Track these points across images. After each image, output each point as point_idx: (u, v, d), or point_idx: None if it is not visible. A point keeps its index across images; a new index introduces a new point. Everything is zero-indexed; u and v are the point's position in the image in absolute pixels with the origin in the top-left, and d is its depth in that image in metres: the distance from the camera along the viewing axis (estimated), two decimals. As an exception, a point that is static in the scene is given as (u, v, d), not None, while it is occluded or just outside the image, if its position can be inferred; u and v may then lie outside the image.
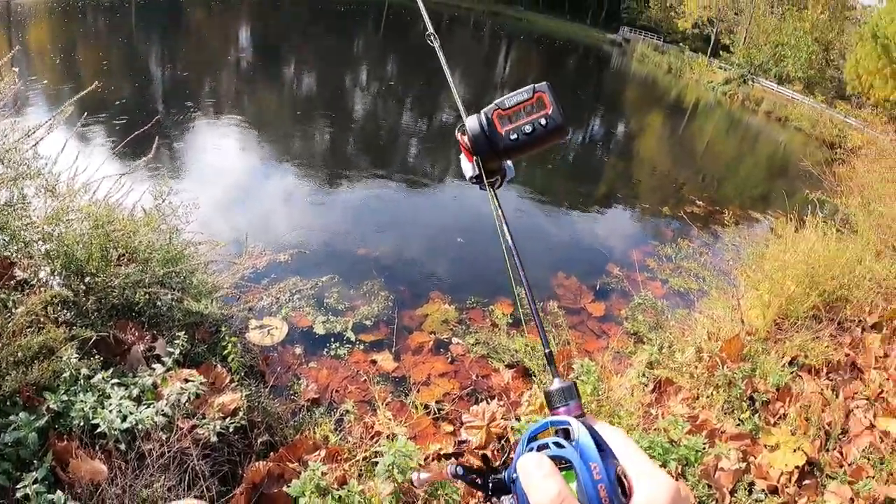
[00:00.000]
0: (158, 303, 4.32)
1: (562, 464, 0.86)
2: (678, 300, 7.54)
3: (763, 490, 4.39)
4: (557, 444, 0.88)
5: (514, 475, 0.89)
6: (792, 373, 5.51)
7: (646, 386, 5.29)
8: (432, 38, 1.62)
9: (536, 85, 1.31)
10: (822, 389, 5.39)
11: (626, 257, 8.59)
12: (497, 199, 1.38)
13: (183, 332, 3.97)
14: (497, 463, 1.16)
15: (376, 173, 10.81)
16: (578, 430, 0.89)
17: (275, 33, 22.64)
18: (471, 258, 8.05)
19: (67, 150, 4.33)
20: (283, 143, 11.64)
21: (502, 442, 4.58)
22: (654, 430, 4.60)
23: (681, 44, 57.12)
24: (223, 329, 4.54)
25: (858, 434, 5.05)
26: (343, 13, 33.62)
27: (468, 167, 1.42)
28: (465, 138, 1.38)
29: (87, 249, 3.96)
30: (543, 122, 1.30)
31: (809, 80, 41.67)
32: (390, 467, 3.53)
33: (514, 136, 1.31)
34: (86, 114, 4.75)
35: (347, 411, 4.56)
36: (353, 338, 5.83)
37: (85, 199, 4.26)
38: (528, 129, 1.30)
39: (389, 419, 4.56)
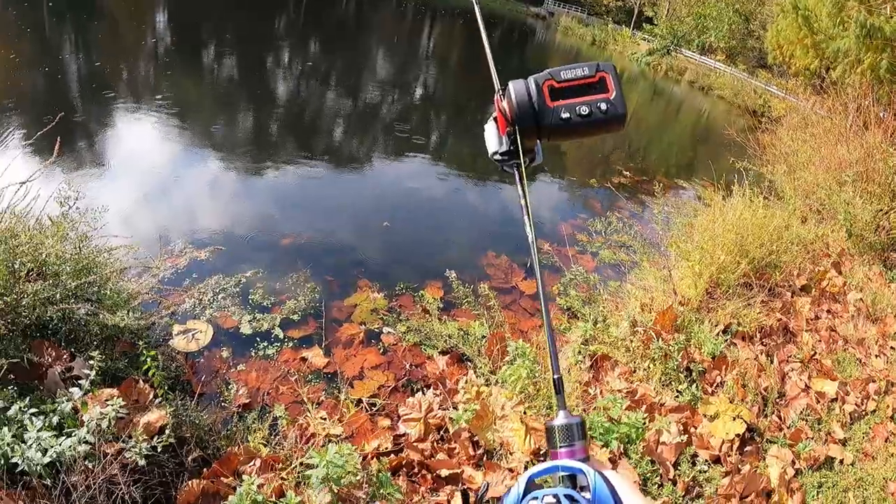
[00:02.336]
0: (73, 318, 4.09)
1: None
2: (610, 272, 7.61)
3: (706, 460, 4.50)
4: (570, 498, 0.79)
5: None
6: (726, 341, 5.68)
7: (582, 363, 5.29)
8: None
9: (600, 63, 1.20)
10: (756, 355, 5.60)
11: (555, 232, 8.60)
12: (524, 184, 1.25)
13: (97, 351, 3.77)
14: None
15: (300, 158, 10.55)
16: (595, 480, 0.82)
17: (192, 16, 21.88)
18: (397, 242, 7.95)
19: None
20: (204, 131, 11.22)
21: (441, 432, 4.53)
22: (594, 409, 4.64)
23: (605, 16, 58.04)
24: (140, 343, 4.34)
25: (795, 397, 5.29)
26: None
27: (494, 140, 1.29)
28: (505, 103, 1.24)
29: (-9, 269, 3.71)
30: (603, 106, 1.18)
31: (731, 51, 42.88)
32: (325, 479, 3.44)
33: (565, 115, 1.17)
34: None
35: (279, 416, 4.44)
36: (281, 335, 5.67)
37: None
38: (583, 110, 1.17)
39: (324, 419, 4.47)
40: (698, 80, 30.23)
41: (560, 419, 0.96)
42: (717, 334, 5.72)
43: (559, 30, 50.67)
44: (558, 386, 1.03)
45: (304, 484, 3.79)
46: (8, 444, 2.96)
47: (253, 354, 5.42)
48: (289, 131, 12.40)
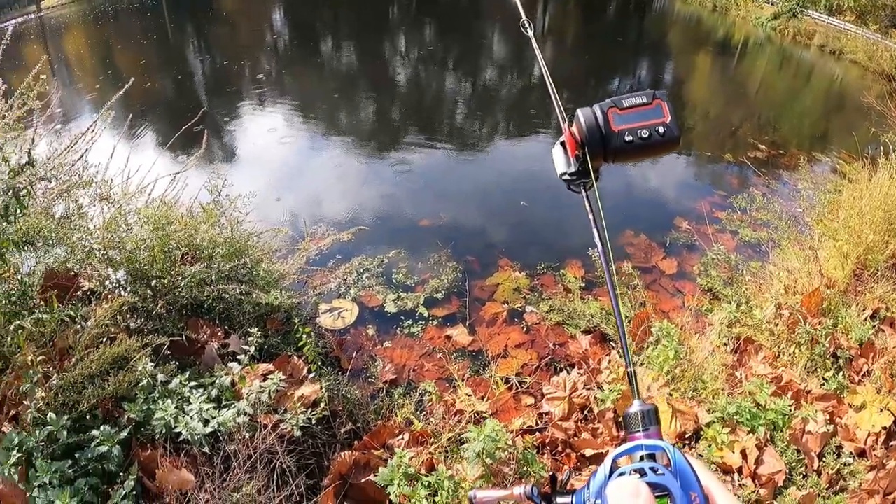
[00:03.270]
0: (227, 298, 4.25)
1: (656, 492, 0.81)
2: (750, 252, 7.19)
3: (851, 453, 4.20)
4: (654, 471, 0.83)
5: (597, 502, 0.85)
6: (874, 327, 5.21)
7: (726, 346, 5.08)
8: (526, 25, 1.67)
9: (656, 91, 1.31)
10: None
11: (692, 209, 8.24)
12: (590, 202, 1.35)
13: (256, 328, 3.92)
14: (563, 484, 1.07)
15: (426, 140, 10.59)
16: (674, 455, 0.85)
17: (308, 10, 22.46)
18: (536, 221, 7.79)
19: (118, 154, 4.28)
20: (329, 120, 11.50)
21: (585, 412, 4.45)
22: (740, 393, 4.44)
23: None
24: (295, 319, 4.48)
25: None
26: None
27: (563, 162, 1.40)
28: (574, 129, 1.35)
29: (150, 252, 3.90)
30: (661, 130, 1.29)
31: (862, 10, 39.85)
32: (480, 453, 3.43)
33: (629, 138, 1.29)
34: (131, 115, 4.70)
35: (427, 391, 4.47)
36: (425, 313, 5.71)
37: (141, 201, 4.21)
38: (644, 133, 1.29)
39: (469, 396, 4.47)
40: (828, 43, 28.19)
41: (636, 407, 1.00)
42: (865, 319, 5.27)
43: (678, -3, 48.76)
44: (631, 378, 1.09)
45: (453, 458, 3.81)
46: (171, 415, 3.10)
47: (398, 332, 5.48)
48: (416, 116, 12.47)
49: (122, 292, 3.77)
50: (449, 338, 5.46)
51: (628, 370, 1.09)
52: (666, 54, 20.41)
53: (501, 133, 11.88)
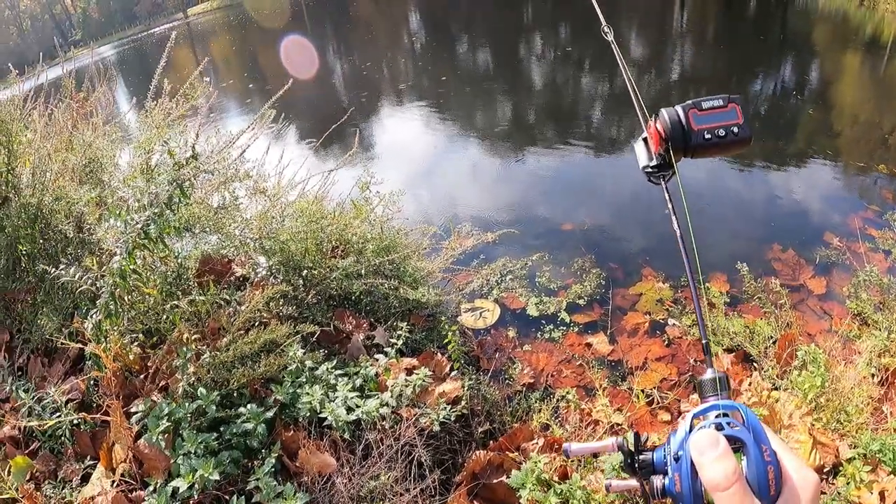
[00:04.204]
0: (374, 292, 4.37)
1: (732, 443, 0.88)
2: (905, 275, 6.73)
3: None
4: (730, 425, 0.91)
5: (679, 453, 0.94)
6: None
7: (874, 377, 4.75)
8: (606, 30, 1.75)
9: (731, 95, 1.42)
10: None
11: (844, 225, 7.72)
12: (669, 193, 1.41)
13: (404, 323, 4.01)
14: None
15: (565, 143, 10.45)
16: (747, 413, 0.92)
17: (442, 12, 22.76)
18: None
19: (272, 151, 4.47)
20: (467, 121, 11.63)
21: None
22: (884, 430, 4.12)
23: None
24: (442, 318, 4.55)
25: None
26: None
27: (645, 156, 1.52)
28: (659, 125, 1.45)
29: (303, 244, 4.06)
30: (736, 130, 1.40)
31: None
32: (616, 467, 3.38)
33: (707, 136, 1.39)
34: (283, 114, 4.87)
35: (565, 398, 4.43)
36: (566, 319, 5.64)
37: (294, 195, 4.39)
38: (721, 132, 1.39)
39: (607, 406, 4.40)
40: None
41: (710, 374, 1.06)
42: None
43: (822, -9, 46.07)
44: (706, 349, 1.16)
45: (587, 468, 3.76)
46: (317, 400, 3.21)
47: (538, 336, 5.44)
48: (554, 119, 12.35)
49: (275, 281, 3.93)
50: (589, 345, 5.37)
51: (704, 342, 1.17)
52: (810, 53, 19.25)
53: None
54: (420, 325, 4.62)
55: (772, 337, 5.16)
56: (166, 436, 2.91)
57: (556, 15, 24.07)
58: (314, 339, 3.75)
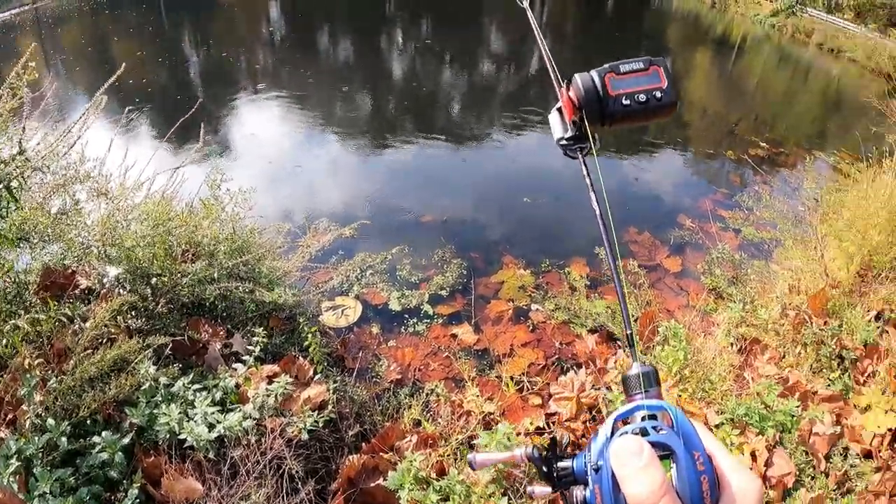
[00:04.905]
0: (229, 296, 4.13)
1: (659, 451, 0.79)
2: (754, 251, 7.13)
3: (857, 454, 4.20)
4: (656, 429, 0.82)
5: (599, 462, 0.83)
6: (879, 328, 5.19)
7: (732, 346, 5.03)
8: None
9: (653, 58, 1.32)
10: None
11: (695, 207, 8.18)
12: (587, 167, 1.31)
13: (260, 328, 3.80)
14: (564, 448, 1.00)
15: (425, 135, 10.48)
16: (676, 413, 0.84)
17: (304, 3, 22.37)
18: (539, 218, 7.70)
19: (115, 147, 4.14)
20: (327, 113, 11.39)
21: (593, 412, 4.37)
22: (748, 395, 4.42)
23: None
24: (300, 319, 4.36)
25: None
26: None
27: (560, 127, 1.38)
28: (572, 92, 1.33)
29: (150, 249, 3.77)
30: (658, 95, 1.28)
31: (860, 8, 40.06)
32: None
33: (626, 102, 1.28)
34: (128, 108, 4.56)
35: (434, 391, 4.37)
36: (430, 311, 5.61)
37: (140, 196, 4.07)
38: (641, 97, 1.28)
39: (477, 396, 4.37)
40: (826, 41, 28.28)
41: (635, 369, 0.97)
42: (870, 321, 5.25)
43: (677, -7, 48.80)
44: (630, 340, 1.05)
45: (463, 461, 3.71)
46: (175, 420, 2.98)
47: (402, 330, 5.38)
48: (414, 111, 12.38)
49: (122, 291, 3.63)
50: (454, 336, 5.36)
51: (627, 332, 1.06)
52: (664, 50, 20.33)
53: (501, 127, 11.78)
54: (279, 329, 4.43)
55: (633, 316, 5.31)
56: (18, 477, 2.61)
57: (418, 6, 24.10)
58: (168, 353, 3.49)
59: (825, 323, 5.04)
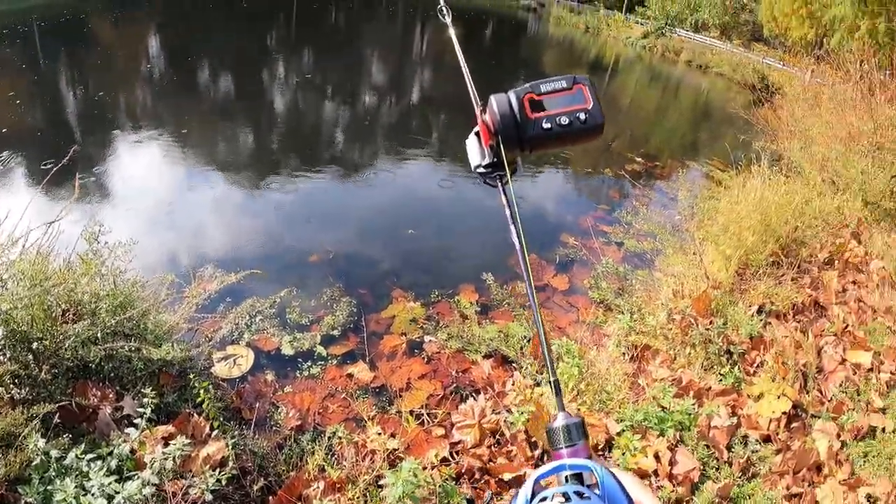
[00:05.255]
0: (116, 356, 3.95)
1: None
2: (637, 262, 7.50)
3: (757, 440, 4.48)
4: (580, 495, 0.78)
5: None
6: (761, 320, 5.65)
7: (624, 355, 5.27)
8: (444, 10, 1.52)
9: (577, 76, 1.23)
10: (792, 333, 5.53)
11: (578, 225, 8.51)
12: (507, 195, 1.26)
13: (150, 388, 3.64)
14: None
15: (313, 173, 10.39)
16: (603, 475, 0.81)
17: (184, 39, 21.85)
18: (425, 249, 7.81)
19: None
20: (209, 152, 11.08)
21: (497, 436, 4.43)
22: (644, 400, 4.63)
23: (595, 2, 57.65)
24: (191, 374, 4.21)
25: (833, 370, 5.22)
26: (251, 10, 32.73)
27: (477, 154, 1.29)
28: (487, 116, 1.24)
29: (29, 311, 3.57)
30: (582, 116, 1.20)
31: (725, 26, 42.99)
32: (402, 497, 3.33)
33: (546, 126, 1.19)
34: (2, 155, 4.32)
35: (336, 434, 4.31)
36: (323, 353, 5.54)
37: (15, 253, 3.85)
38: (564, 120, 1.19)
39: (380, 434, 4.35)
40: (695, 58, 30.15)
41: (560, 420, 0.95)
42: (752, 315, 5.69)
43: (551, 20, 50.62)
44: (557, 388, 1.03)
45: (373, 502, 3.68)
46: (72, 495, 2.82)
47: (298, 375, 5.29)
48: (297, 147, 12.29)
49: (2, 358, 3.43)
50: (350, 376, 5.32)
51: (552, 379, 1.04)
52: (541, 75, 20.92)
53: (384, 158, 11.92)
54: (170, 386, 4.25)
55: (525, 336, 5.51)
56: None
57: (299, 39, 23.95)
58: (57, 421, 3.31)
59: (710, 322, 5.37)
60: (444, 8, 1.53)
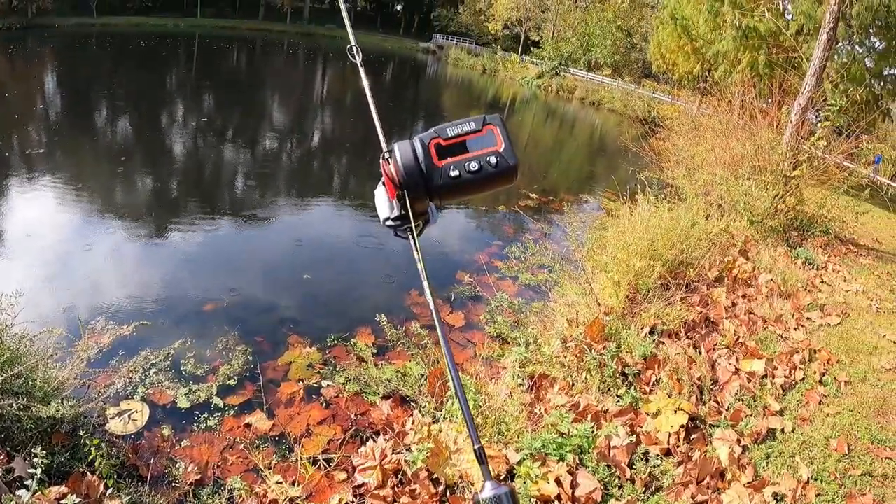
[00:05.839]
0: (3, 415, 3.83)
1: None
2: (532, 294, 7.73)
3: (658, 455, 4.63)
4: None
5: None
6: (654, 341, 5.92)
7: (521, 386, 5.38)
8: (354, 51, 1.40)
9: (487, 116, 1.17)
10: (684, 349, 5.85)
11: (472, 262, 8.69)
12: (419, 249, 1.22)
13: (40, 448, 3.55)
14: None
15: (208, 219, 10.26)
16: None
17: (81, 78, 21.21)
18: (321, 294, 7.84)
19: None
20: (104, 198, 10.69)
21: (399, 476, 4.46)
22: (542, 427, 4.74)
23: (493, 45, 59.38)
24: (81, 433, 4.10)
25: (727, 381, 5.54)
26: (150, 51, 32.04)
27: (385, 206, 1.24)
28: (391, 167, 1.17)
29: None
30: (493, 160, 1.14)
31: (617, 65, 45.27)
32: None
33: (454, 173, 1.13)
34: None
35: (236, 488, 4.26)
36: (220, 404, 5.46)
37: None
38: (473, 166, 1.13)
39: (280, 483, 4.32)
40: (588, 96, 31.39)
41: (487, 491, 0.92)
42: (645, 336, 5.95)
43: (450, 62, 51.72)
44: (481, 456, 1.00)
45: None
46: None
47: (195, 428, 5.19)
48: (193, 192, 12.11)
49: None
50: (248, 426, 5.27)
51: (476, 447, 1.00)
52: (439, 116, 21.32)
53: (282, 203, 11.87)
54: (62, 444, 4.14)
55: (423, 375, 5.57)
56: None
57: (198, 83, 23.56)
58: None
59: (604, 347, 5.56)
60: (354, 47, 1.40)
